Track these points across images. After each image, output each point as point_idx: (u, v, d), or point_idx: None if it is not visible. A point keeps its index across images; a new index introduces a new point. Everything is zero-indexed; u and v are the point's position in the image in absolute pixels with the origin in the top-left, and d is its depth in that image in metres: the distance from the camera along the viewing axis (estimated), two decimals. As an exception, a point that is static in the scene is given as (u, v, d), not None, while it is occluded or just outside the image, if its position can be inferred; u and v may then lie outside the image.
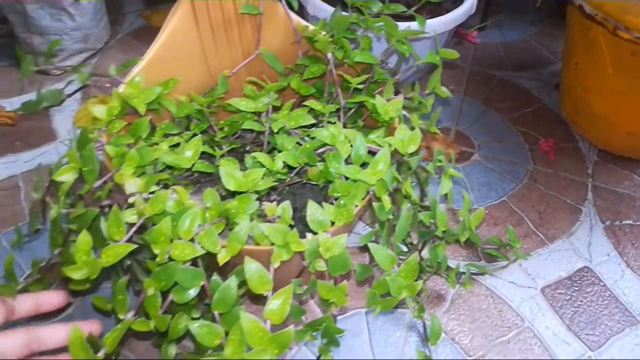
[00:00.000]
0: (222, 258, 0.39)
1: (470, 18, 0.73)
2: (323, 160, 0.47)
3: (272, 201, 0.51)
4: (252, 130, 0.54)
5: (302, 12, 0.72)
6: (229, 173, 0.43)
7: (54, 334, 0.41)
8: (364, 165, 0.46)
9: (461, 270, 0.57)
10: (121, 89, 0.49)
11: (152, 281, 0.38)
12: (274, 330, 0.35)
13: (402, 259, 0.43)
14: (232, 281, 0.38)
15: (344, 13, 0.57)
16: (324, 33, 0.55)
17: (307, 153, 0.48)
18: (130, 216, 0.40)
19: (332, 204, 0.44)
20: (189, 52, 0.54)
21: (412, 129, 0.49)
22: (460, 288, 0.58)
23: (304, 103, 0.53)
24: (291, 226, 0.42)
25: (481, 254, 0.62)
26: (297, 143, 0.50)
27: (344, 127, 0.52)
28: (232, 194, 0.44)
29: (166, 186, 0.47)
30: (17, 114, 0.74)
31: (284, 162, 0.48)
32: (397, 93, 0.54)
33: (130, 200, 0.41)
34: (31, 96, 0.77)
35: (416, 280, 0.42)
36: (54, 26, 0.79)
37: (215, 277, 0.39)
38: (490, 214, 0.67)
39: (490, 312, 0.57)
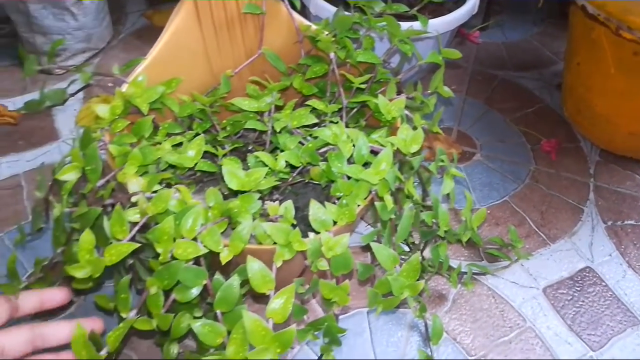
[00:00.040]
0: (225, 257, 0.39)
1: (472, 18, 0.73)
2: (325, 159, 0.47)
3: (274, 200, 0.51)
4: (254, 130, 0.54)
5: (304, 11, 0.72)
6: (232, 172, 0.43)
7: (58, 331, 0.42)
8: (366, 164, 0.46)
9: (463, 270, 0.57)
10: (124, 88, 0.49)
11: (154, 280, 0.38)
12: (276, 330, 0.35)
13: (404, 259, 0.43)
14: (235, 280, 0.38)
15: (346, 13, 0.57)
16: (326, 33, 0.55)
17: (309, 152, 0.48)
18: (133, 215, 0.40)
19: (334, 203, 0.44)
20: (192, 51, 0.54)
21: (415, 128, 0.49)
22: (462, 288, 0.58)
23: (307, 103, 0.53)
24: (293, 225, 0.42)
25: (483, 254, 0.62)
26: (300, 142, 0.50)
27: (347, 126, 0.52)
28: (235, 194, 0.44)
29: (169, 185, 0.47)
30: (20, 114, 0.75)
31: (286, 161, 0.48)
32: (399, 93, 0.54)
33: (133, 199, 0.41)
34: (34, 95, 0.78)
35: (418, 280, 0.42)
36: (56, 26, 0.79)
37: (218, 276, 0.40)
38: (492, 214, 0.67)
39: (492, 312, 0.57)
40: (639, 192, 0.71)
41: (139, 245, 0.38)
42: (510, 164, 0.74)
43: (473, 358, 0.53)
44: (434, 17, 0.68)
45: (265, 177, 0.44)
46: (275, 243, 0.41)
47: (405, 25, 0.56)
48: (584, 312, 0.57)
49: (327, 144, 0.48)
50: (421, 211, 0.51)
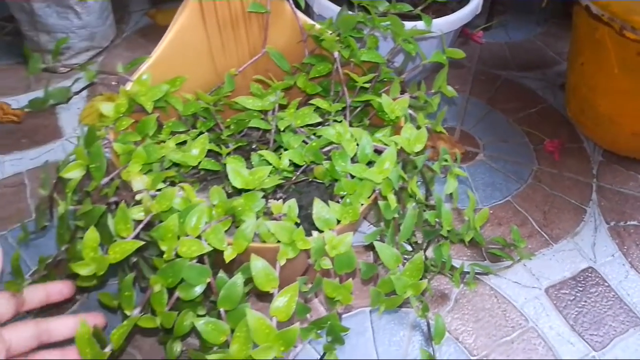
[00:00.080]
0: (229, 255, 0.39)
1: (475, 18, 0.73)
2: (329, 158, 0.47)
3: (278, 199, 0.51)
4: (258, 129, 0.54)
5: (308, 11, 0.72)
6: (236, 170, 0.43)
7: (62, 326, 0.42)
8: (369, 164, 0.46)
9: (465, 269, 0.57)
10: (128, 86, 0.50)
11: (158, 278, 0.38)
12: (280, 328, 0.35)
13: (406, 259, 0.43)
14: (238, 278, 0.38)
15: (350, 12, 0.57)
16: (330, 32, 0.55)
17: (313, 151, 0.48)
18: (137, 213, 0.40)
19: (337, 202, 0.44)
20: (196, 50, 0.55)
21: (418, 127, 0.49)
22: (465, 288, 0.58)
23: (310, 102, 0.53)
24: (297, 224, 0.42)
25: (485, 254, 0.62)
26: (303, 141, 0.50)
27: (350, 125, 0.52)
28: (238, 192, 0.44)
29: (173, 184, 0.47)
30: (24, 112, 0.75)
31: (290, 160, 0.48)
32: (403, 92, 0.54)
33: (137, 197, 0.41)
34: (38, 94, 0.78)
35: (421, 279, 0.42)
36: (60, 24, 0.79)
37: (222, 274, 0.40)
38: (494, 213, 0.67)
39: (494, 311, 0.57)
40: (642, 193, 0.71)
41: (143, 243, 0.38)
42: (513, 164, 0.74)
43: (475, 358, 0.53)
44: (438, 17, 0.68)
45: (269, 176, 0.44)
46: (278, 241, 0.41)
47: (409, 24, 0.56)
48: (586, 313, 0.57)
49: (331, 142, 0.48)
50: (424, 210, 0.51)
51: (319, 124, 0.53)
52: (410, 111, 0.52)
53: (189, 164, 0.47)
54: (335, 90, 0.57)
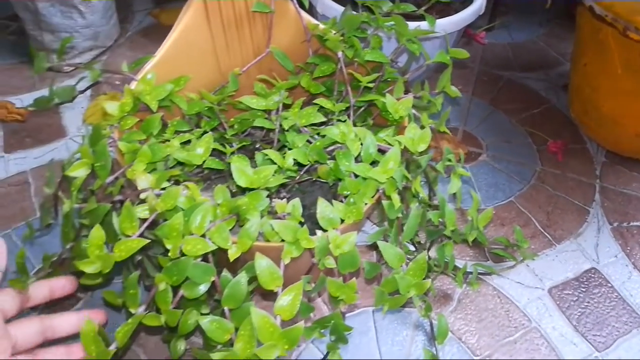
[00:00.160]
0: (233, 254, 0.39)
1: (478, 18, 0.73)
2: (333, 158, 0.47)
3: (282, 198, 0.52)
4: (262, 128, 0.55)
5: (311, 11, 0.72)
6: (241, 169, 0.43)
7: (66, 322, 0.43)
8: (373, 163, 0.46)
9: (468, 270, 0.57)
10: (133, 85, 0.50)
11: (163, 276, 0.38)
12: (283, 327, 0.35)
13: (410, 258, 0.43)
14: (243, 277, 0.38)
15: (354, 12, 0.57)
16: (334, 32, 0.55)
17: (317, 151, 0.48)
18: (142, 211, 0.40)
19: (341, 201, 0.44)
20: (201, 49, 0.55)
21: (422, 127, 0.49)
22: (468, 288, 0.58)
23: (314, 101, 0.53)
24: (301, 223, 0.42)
25: (488, 254, 0.62)
26: (307, 141, 0.50)
27: (354, 125, 0.52)
28: (242, 191, 0.44)
29: (177, 182, 0.47)
30: (28, 111, 0.75)
31: (294, 159, 0.48)
32: (406, 92, 0.54)
33: (142, 195, 0.41)
34: (42, 93, 0.78)
35: (424, 279, 0.42)
36: (64, 24, 0.80)
37: (226, 273, 0.40)
38: (497, 214, 0.67)
39: (497, 312, 0.57)
40: (645, 194, 0.71)
41: (148, 241, 0.39)
42: (516, 164, 0.74)
43: (478, 358, 0.53)
44: (441, 17, 0.68)
45: (273, 175, 0.45)
46: (283, 240, 0.41)
47: (412, 25, 0.57)
48: (589, 313, 0.57)
49: (335, 142, 0.48)
50: (428, 210, 0.51)
51: (322, 123, 0.53)
52: (413, 111, 0.52)
53: (193, 163, 0.47)
54: (339, 89, 0.57)
